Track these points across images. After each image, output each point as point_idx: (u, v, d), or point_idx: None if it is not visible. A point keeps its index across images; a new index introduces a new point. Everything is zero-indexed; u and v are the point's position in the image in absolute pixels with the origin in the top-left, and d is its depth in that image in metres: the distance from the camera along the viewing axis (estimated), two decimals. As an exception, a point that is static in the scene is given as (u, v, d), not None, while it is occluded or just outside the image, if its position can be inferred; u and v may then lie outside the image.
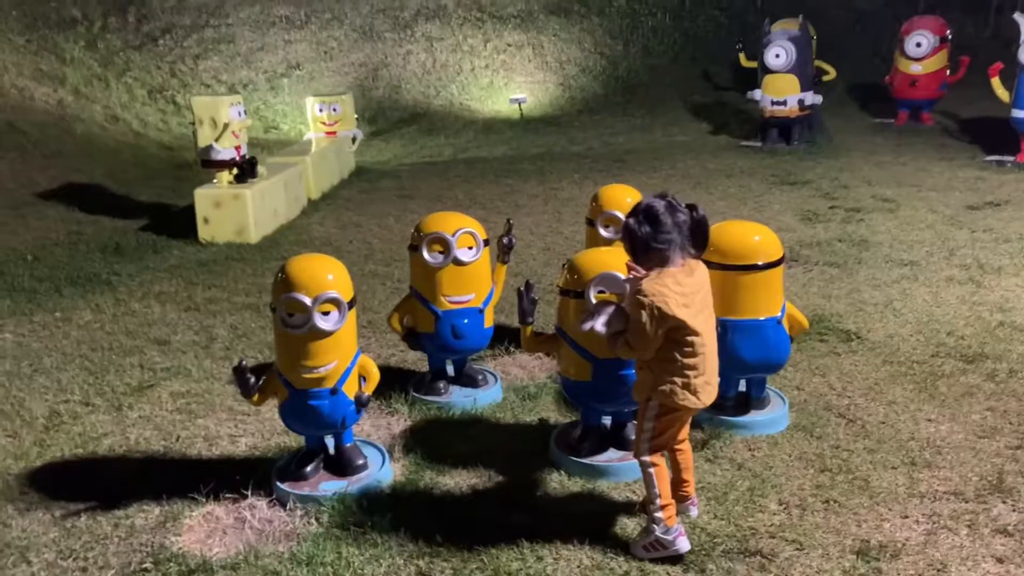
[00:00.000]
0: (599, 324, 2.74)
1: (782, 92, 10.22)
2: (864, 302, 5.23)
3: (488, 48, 14.80)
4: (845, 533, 2.92)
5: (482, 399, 4.03)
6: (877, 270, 5.85)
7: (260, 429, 3.83)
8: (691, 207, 2.70)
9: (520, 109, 13.50)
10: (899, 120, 11.59)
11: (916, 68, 11.21)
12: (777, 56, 10.17)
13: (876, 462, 3.38)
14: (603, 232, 4.29)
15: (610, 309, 2.78)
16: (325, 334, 3.03)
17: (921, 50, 11.11)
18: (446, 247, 3.81)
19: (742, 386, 3.82)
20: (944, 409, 3.81)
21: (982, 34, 15.73)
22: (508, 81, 14.38)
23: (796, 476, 3.30)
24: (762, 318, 3.56)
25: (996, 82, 9.42)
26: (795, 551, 2.84)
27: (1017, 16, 9.35)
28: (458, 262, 3.82)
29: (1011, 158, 9.08)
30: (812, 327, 4.73)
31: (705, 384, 2.75)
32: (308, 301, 2.98)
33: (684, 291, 2.65)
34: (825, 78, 11.99)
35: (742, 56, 12.44)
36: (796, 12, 11.69)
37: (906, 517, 3.01)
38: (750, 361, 3.60)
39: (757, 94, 10.51)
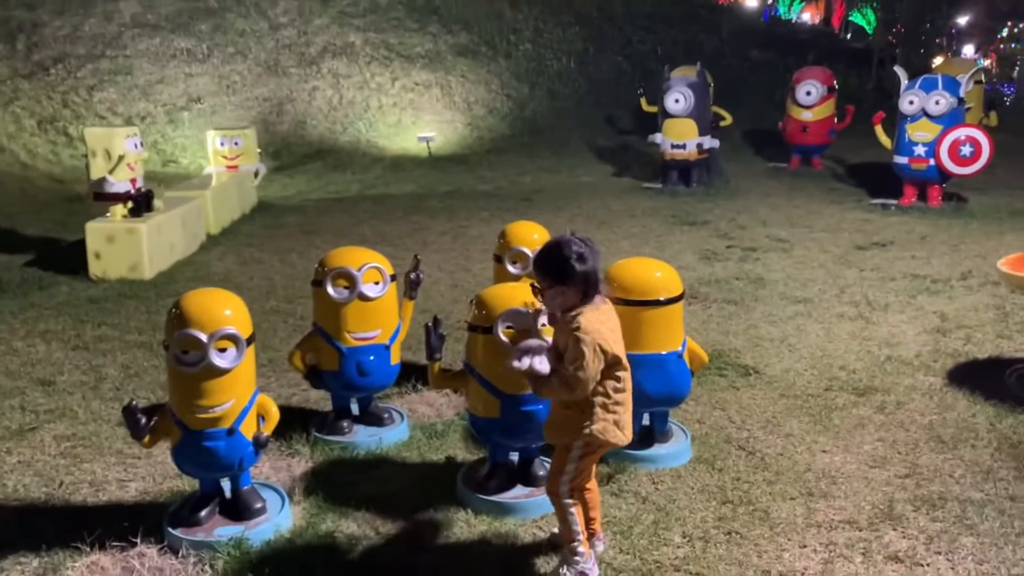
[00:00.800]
0: (539, 364, 2.66)
1: (682, 136, 10.58)
2: (761, 338, 5.40)
3: (396, 86, 14.83)
4: (747, 564, 2.97)
5: (388, 438, 3.94)
6: (773, 307, 6.06)
7: (151, 473, 3.64)
8: (594, 243, 2.72)
9: (428, 147, 13.53)
10: (792, 164, 12.16)
11: (807, 115, 11.83)
12: (676, 101, 10.54)
13: (775, 493, 3.46)
14: (511, 268, 4.31)
15: (542, 348, 2.72)
16: (221, 372, 2.92)
17: (811, 98, 11.73)
18: (351, 282, 3.74)
19: (646, 420, 3.86)
20: (838, 440, 3.95)
21: (866, 85, 16.77)
22: (416, 119, 14.42)
23: (699, 508, 3.34)
24: (664, 352, 3.63)
25: (879, 130, 10.02)
26: (699, 583, 2.87)
27: (897, 68, 9.99)
28: (364, 297, 3.76)
29: (894, 201, 9.62)
30: (712, 362, 4.85)
31: (629, 420, 2.77)
32: (204, 337, 2.87)
33: (612, 326, 2.67)
34: (722, 123, 12.49)
35: (643, 101, 12.85)
36: (694, 60, 12.19)
37: (804, 547, 3.08)
38: (653, 395, 3.64)
39: (658, 138, 10.85)
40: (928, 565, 2.95)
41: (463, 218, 9.23)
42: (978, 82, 12.41)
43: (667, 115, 10.72)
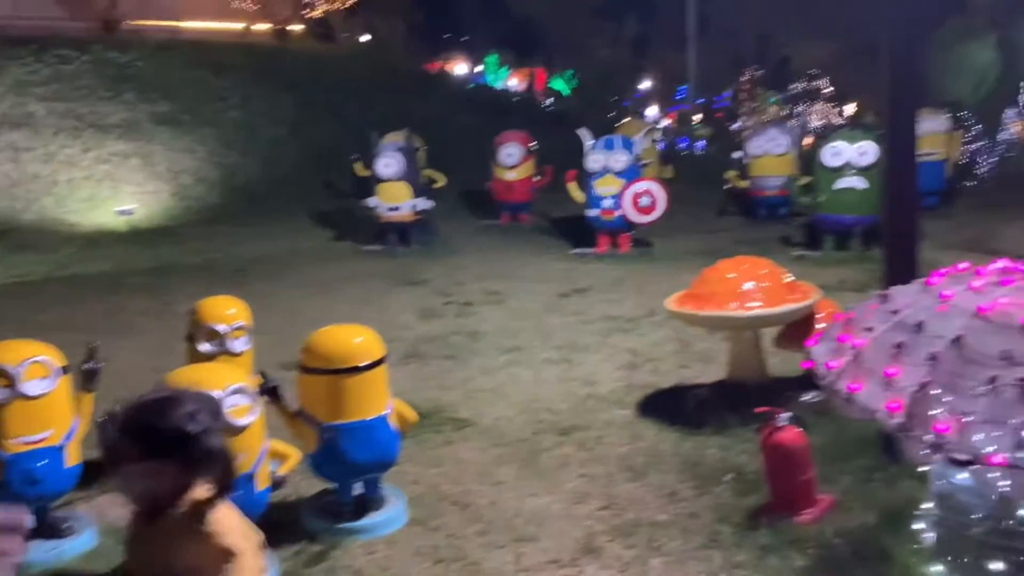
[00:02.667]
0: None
1: (395, 199, 10.79)
2: (476, 389, 5.56)
3: (88, 158, 13.68)
4: (459, 621, 2.99)
5: (70, 550, 3.52)
6: (487, 358, 6.28)
7: None
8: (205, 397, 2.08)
9: (128, 221, 12.58)
10: (503, 221, 12.83)
11: (511, 175, 12.58)
12: (387, 166, 10.76)
13: (486, 544, 3.53)
14: (203, 347, 4.07)
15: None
16: None
17: (512, 159, 12.51)
18: (9, 380, 3.33)
19: (358, 488, 3.80)
20: (544, 482, 4.13)
21: (564, 146, 18.17)
22: (115, 192, 13.37)
23: (412, 573, 3.32)
24: (370, 418, 3.61)
25: (572, 186, 10.88)
26: (412, 650, 2.83)
27: (581, 131, 10.96)
28: (26, 396, 3.35)
29: (591, 250, 10.46)
30: (429, 419, 4.91)
31: None
32: None
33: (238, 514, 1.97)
34: (436, 185, 12.90)
35: (359, 166, 12.96)
36: (408, 125, 12.56)
37: (513, 592, 3.17)
38: (362, 462, 3.61)
39: (372, 201, 10.98)
40: (623, 590, 3.15)
41: (168, 295, 8.63)
42: (653, 140, 13.94)
43: (379, 179, 10.88)
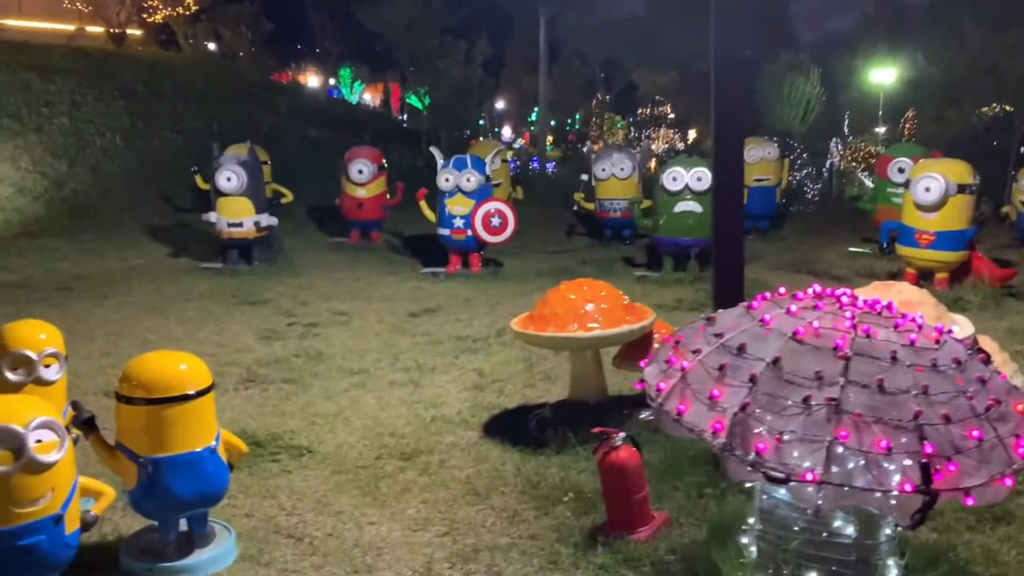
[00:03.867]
0: None
1: (237, 214, 10.36)
2: (317, 415, 5.37)
3: None
4: (288, 663, 2.84)
5: None
6: (330, 382, 6.10)
7: None
8: None
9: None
10: (352, 239, 12.58)
11: (361, 192, 12.37)
12: (228, 180, 10.31)
13: (322, 577, 3.39)
14: (9, 376, 3.71)
15: None
16: None
17: (363, 176, 12.31)
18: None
19: (183, 525, 3.56)
20: (384, 509, 4.03)
21: (416, 163, 18.12)
22: (-81, 202, 12.15)
23: (240, 613, 3.14)
24: (197, 450, 3.40)
25: (423, 205, 10.83)
26: None
27: (433, 149, 10.95)
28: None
29: (442, 269, 10.43)
30: (266, 448, 4.71)
31: None
32: None
33: None
34: (283, 200, 12.53)
35: (199, 178, 12.38)
36: (252, 137, 12.10)
37: (348, 628, 3.04)
38: (187, 497, 3.38)
39: (213, 216, 10.49)
40: (461, 619, 3.10)
41: (-22, 316, 7.89)
42: (504, 160, 14.13)
43: (220, 193, 10.42)
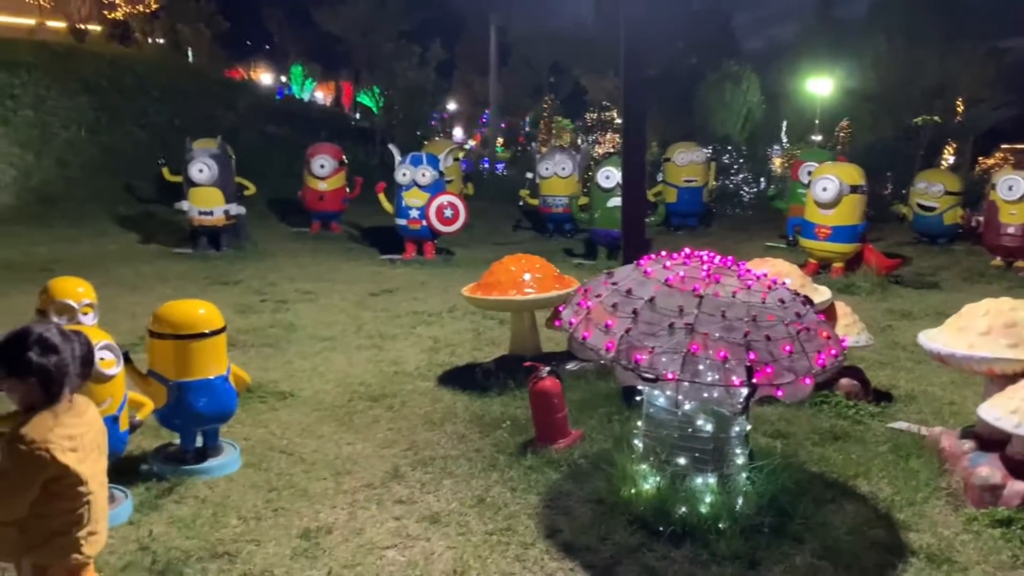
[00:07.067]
0: None
1: (208, 204, 11.16)
2: (295, 370, 6.29)
3: None
4: (291, 526, 3.79)
5: None
6: (304, 346, 7.01)
7: None
8: (76, 333, 2.50)
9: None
10: (313, 229, 13.44)
11: (322, 186, 13.24)
12: (200, 171, 11.11)
13: (312, 476, 4.34)
14: (56, 320, 4.56)
15: None
16: None
17: (324, 171, 13.17)
18: None
19: (199, 441, 4.47)
20: (358, 434, 4.98)
21: (372, 160, 18.99)
22: None
23: (251, 498, 4.07)
24: (212, 377, 4.32)
25: (382, 197, 11.76)
26: (254, 547, 3.60)
27: (391, 147, 11.87)
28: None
29: (399, 256, 11.37)
30: (254, 392, 5.61)
31: (90, 535, 2.45)
32: None
33: (71, 433, 2.37)
34: (246, 192, 13.30)
35: (166, 171, 13.11)
36: (212, 132, 12.86)
37: (335, 507, 4.00)
38: (206, 414, 4.31)
39: (185, 205, 11.28)
40: (422, 501, 4.07)
41: (-30, 291, 8.60)
42: (456, 159, 15.09)
43: (192, 184, 11.21)
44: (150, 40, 22.16)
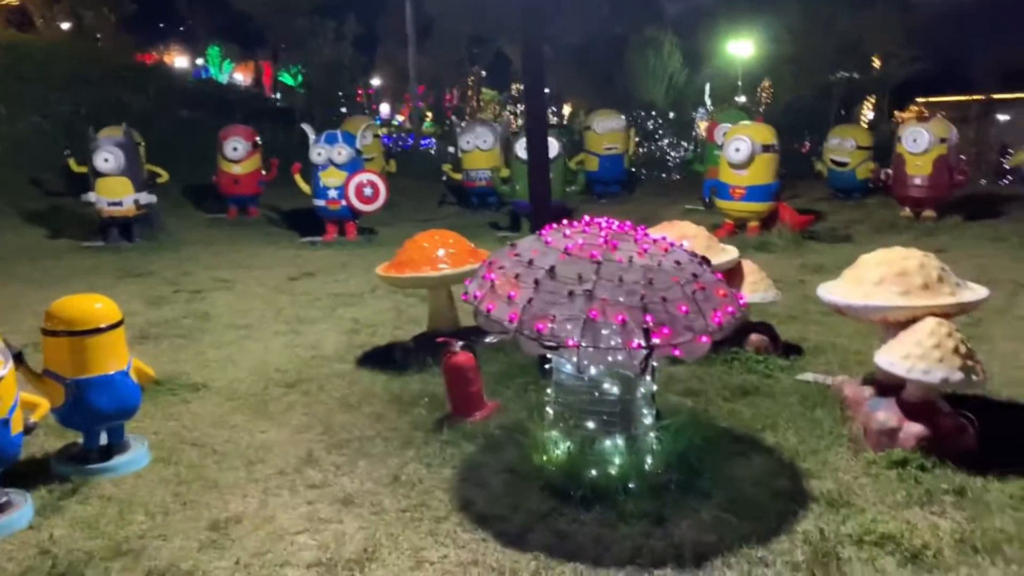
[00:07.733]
0: None
1: (116, 193, 10.80)
2: (209, 360, 6.15)
3: None
4: (199, 519, 3.71)
5: None
6: (218, 335, 6.86)
7: None
8: None
9: None
10: (230, 214, 13.13)
11: (237, 169, 12.93)
12: (106, 160, 10.73)
13: (223, 467, 4.26)
14: (-61, 325, 4.37)
15: None
16: None
17: (238, 154, 12.86)
18: None
19: (104, 438, 4.34)
20: (272, 422, 4.90)
21: (291, 140, 18.59)
22: None
23: (159, 493, 3.98)
24: (111, 373, 4.19)
25: (298, 178, 11.54)
26: (161, 542, 3.53)
27: (305, 126, 11.64)
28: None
29: (319, 238, 11.20)
30: (164, 385, 5.47)
31: None
32: None
33: None
34: (159, 180, 12.91)
35: (72, 161, 12.62)
36: (122, 119, 12.41)
37: (246, 496, 3.94)
38: (107, 411, 4.18)
39: (92, 196, 10.88)
40: (336, 484, 4.04)
41: None
42: (376, 135, 14.90)
43: (98, 174, 10.82)
44: (49, 24, 21.20)
